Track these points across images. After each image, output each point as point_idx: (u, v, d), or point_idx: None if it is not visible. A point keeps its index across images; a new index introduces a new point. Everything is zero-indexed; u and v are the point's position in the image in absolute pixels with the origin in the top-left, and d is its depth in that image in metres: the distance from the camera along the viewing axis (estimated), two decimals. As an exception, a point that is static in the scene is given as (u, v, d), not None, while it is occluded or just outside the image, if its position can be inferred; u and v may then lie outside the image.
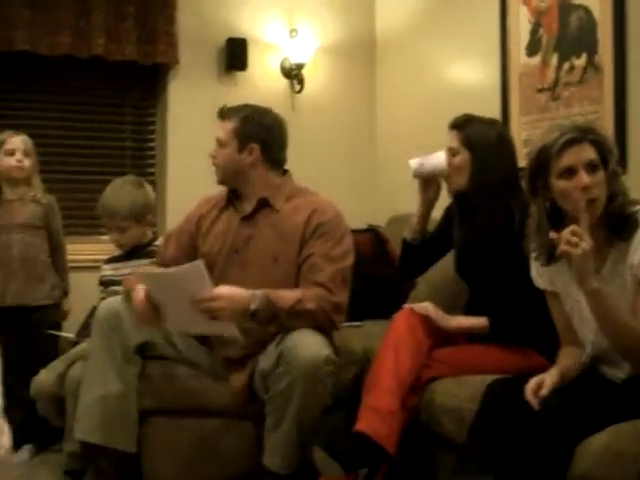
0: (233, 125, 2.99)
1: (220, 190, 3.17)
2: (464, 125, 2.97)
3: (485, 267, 2.92)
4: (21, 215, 3.77)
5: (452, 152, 2.97)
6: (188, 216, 3.18)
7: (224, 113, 3.04)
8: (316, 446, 2.50)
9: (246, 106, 3.07)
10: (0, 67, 4.49)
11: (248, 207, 3.03)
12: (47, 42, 4.38)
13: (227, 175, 3.04)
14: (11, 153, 3.75)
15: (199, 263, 2.64)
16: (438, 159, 3.05)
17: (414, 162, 3.13)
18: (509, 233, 2.81)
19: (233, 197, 3.08)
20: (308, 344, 2.65)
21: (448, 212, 3.20)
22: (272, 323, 2.77)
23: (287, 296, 2.75)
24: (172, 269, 2.76)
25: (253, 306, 2.68)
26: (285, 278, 2.89)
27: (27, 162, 3.78)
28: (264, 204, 3.00)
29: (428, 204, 3.17)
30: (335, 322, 2.85)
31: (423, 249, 3.20)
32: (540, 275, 2.51)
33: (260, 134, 3.00)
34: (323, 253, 2.87)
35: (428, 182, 3.13)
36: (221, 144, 3.02)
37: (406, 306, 2.88)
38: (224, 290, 2.66)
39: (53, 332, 3.66)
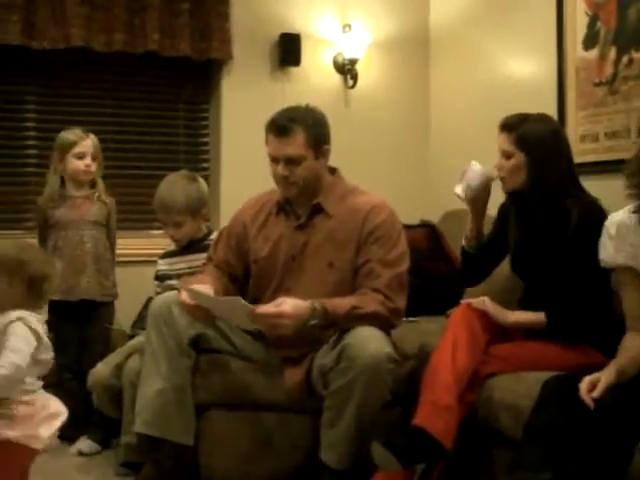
0: (303, 136, 2.87)
1: (265, 192, 3.15)
2: (516, 126, 2.90)
3: (543, 264, 2.89)
4: (90, 212, 3.80)
5: (505, 155, 2.91)
6: (235, 217, 3.18)
7: (284, 128, 2.87)
8: (375, 441, 2.49)
9: (296, 110, 2.96)
10: (57, 64, 4.55)
11: (302, 214, 3.00)
12: (102, 39, 4.42)
13: (306, 188, 2.95)
14: (80, 156, 3.75)
15: (238, 300, 2.68)
16: (477, 173, 3.00)
17: (460, 189, 3.05)
18: (565, 230, 2.78)
19: (285, 204, 3.05)
20: (370, 341, 2.65)
21: (502, 211, 3.16)
22: (330, 328, 2.78)
23: (341, 303, 2.75)
24: (216, 298, 2.79)
25: (313, 322, 2.70)
26: (340, 283, 2.90)
27: (94, 166, 3.79)
28: (318, 210, 2.98)
29: (479, 213, 3.12)
30: (394, 326, 2.87)
31: (482, 255, 3.16)
32: (618, 250, 2.46)
33: (324, 133, 2.97)
34: (379, 258, 2.86)
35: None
36: (294, 161, 2.88)
37: (463, 302, 2.86)
38: (288, 309, 2.66)
39: (111, 326, 3.70)
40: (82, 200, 3.80)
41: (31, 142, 4.60)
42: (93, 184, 3.84)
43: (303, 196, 2.97)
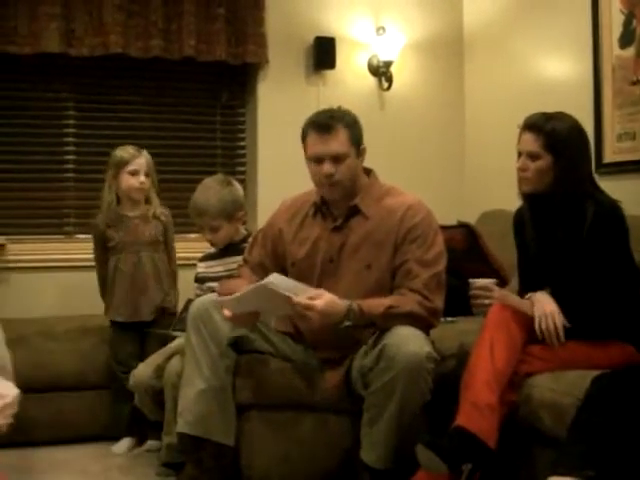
0: (345, 133, 2.89)
1: (300, 194, 3.16)
2: (543, 126, 2.84)
3: (563, 266, 2.87)
4: (146, 232, 3.85)
5: (531, 156, 2.86)
6: (270, 220, 3.19)
7: (328, 126, 2.88)
8: (419, 443, 2.49)
9: (333, 110, 2.97)
10: (95, 70, 4.62)
11: (338, 215, 3.00)
12: (139, 45, 4.48)
13: (348, 187, 2.95)
14: (134, 173, 3.79)
15: (267, 282, 2.65)
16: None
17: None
18: (581, 230, 2.78)
19: (321, 205, 3.04)
20: (410, 340, 2.65)
21: (517, 222, 3.11)
22: (368, 328, 2.79)
23: (378, 303, 2.75)
24: (246, 294, 2.74)
25: (347, 323, 2.71)
26: (378, 285, 2.89)
27: (148, 182, 3.84)
28: (355, 211, 2.98)
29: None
30: (433, 325, 2.86)
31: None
32: None
33: (361, 132, 2.97)
34: (417, 258, 2.86)
35: None
36: (339, 158, 2.88)
37: (495, 301, 2.85)
38: (320, 305, 2.66)
39: (156, 331, 3.74)
40: (138, 221, 3.85)
41: (70, 148, 4.67)
42: (147, 200, 3.89)
43: (343, 197, 2.98)
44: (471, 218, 4.35)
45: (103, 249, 3.87)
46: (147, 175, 3.83)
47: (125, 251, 3.81)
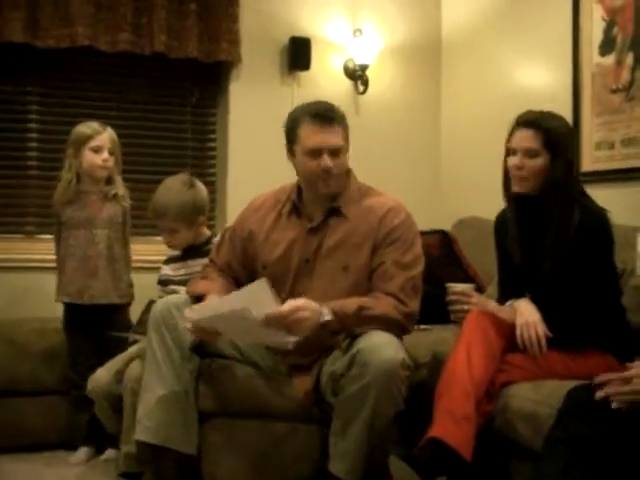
0: (342, 127, 2.84)
1: (270, 192, 3.07)
2: (542, 122, 2.80)
3: (548, 274, 2.80)
4: (104, 210, 3.67)
5: (529, 153, 2.80)
6: (239, 219, 3.09)
7: (330, 118, 2.82)
8: (392, 455, 2.40)
9: (327, 103, 2.90)
10: (61, 63, 4.52)
11: (316, 216, 2.91)
12: (108, 38, 4.39)
13: (342, 183, 2.89)
14: (97, 150, 3.62)
15: (264, 282, 2.53)
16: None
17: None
18: (567, 237, 2.74)
19: (297, 202, 2.95)
20: (384, 347, 2.55)
21: (499, 228, 3.04)
22: (341, 333, 2.69)
23: (349, 303, 2.67)
24: (234, 293, 2.66)
25: (327, 317, 2.59)
26: (354, 287, 2.80)
27: (111, 161, 3.66)
28: (334, 212, 2.89)
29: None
30: (408, 330, 2.78)
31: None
32: None
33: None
34: (394, 260, 2.79)
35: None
36: (337, 152, 2.83)
37: (472, 307, 2.77)
38: (300, 301, 2.57)
39: (114, 333, 3.58)
40: (96, 197, 3.67)
41: (33, 144, 4.56)
42: (109, 181, 3.71)
43: (336, 193, 2.89)
44: (446, 224, 4.32)
45: (59, 226, 3.70)
46: (111, 153, 3.65)
47: (78, 227, 3.63)
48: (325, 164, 2.80)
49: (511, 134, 2.87)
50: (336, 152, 2.82)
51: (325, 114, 2.82)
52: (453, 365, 2.58)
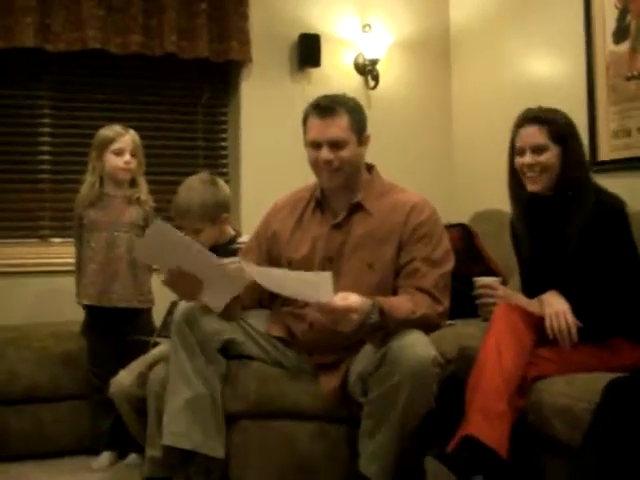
0: (347, 118, 2.77)
1: (296, 191, 3.03)
2: (544, 116, 2.80)
3: (569, 268, 2.77)
4: (127, 214, 3.65)
5: (538, 149, 2.79)
6: (263, 221, 3.05)
7: (329, 109, 2.76)
8: (428, 455, 2.37)
9: (336, 95, 2.86)
10: (72, 67, 4.51)
11: (339, 212, 2.87)
12: (119, 41, 4.39)
13: (349, 176, 2.82)
14: (119, 153, 3.61)
15: (329, 275, 2.44)
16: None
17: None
18: (584, 229, 2.72)
19: (322, 200, 2.91)
20: (415, 344, 2.50)
21: (514, 233, 3.04)
22: (380, 331, 2.62)
23: (401, 307, 2.59)
24: (299, 272, 2.62)
25: (373, 317, 2.52)
26: (380, 284, 2.75)
27: (134, 163, 3.65)
28: (357, 208, 2.85)
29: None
30: (439, 328, 2.75)
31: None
32: None
33: (365, 119, 2.87)
34: (424, 257, 2.74)
35: None
36: (339, 144, 2.76)
37: (500, 301, 2.75)
38: (355, 303, 2.48)
39: (135, 337, 3.55)
40: (119, 200, 3.65)
41: (45, 148, 4.54)
42: (133, 183, 3.69)
43: (343, 191, 2.85)
44: (462, 218, 4.29)
45: (80, 229, 3.68)
46: (133, 155, 3.64)
47: (100, 230, 3.61)
48: (323, 156, 2.77)
49: (515, 135, 2.86)
50: (337, 144, 2.77)
51: (325, 105, 2.79)
52: (483, 361, 2.55)
